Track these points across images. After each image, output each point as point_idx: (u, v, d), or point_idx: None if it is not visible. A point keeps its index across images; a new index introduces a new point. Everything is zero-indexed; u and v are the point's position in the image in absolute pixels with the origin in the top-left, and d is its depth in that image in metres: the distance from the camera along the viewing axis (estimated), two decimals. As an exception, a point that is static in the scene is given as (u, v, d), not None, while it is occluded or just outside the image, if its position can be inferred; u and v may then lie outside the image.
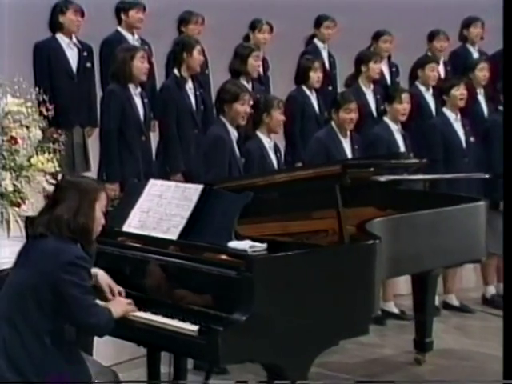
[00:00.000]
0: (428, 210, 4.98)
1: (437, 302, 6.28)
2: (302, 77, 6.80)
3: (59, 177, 4.61)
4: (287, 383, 3.61)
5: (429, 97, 7.14)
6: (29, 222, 4.10)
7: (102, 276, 3.77)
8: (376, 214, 4.74)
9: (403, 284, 6.38)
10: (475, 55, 7.89)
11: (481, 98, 7.30)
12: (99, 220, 3.50)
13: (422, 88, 7.18)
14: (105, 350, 4.40)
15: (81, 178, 3.87)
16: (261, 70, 7.02)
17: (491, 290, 7.07)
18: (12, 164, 4.81)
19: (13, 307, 3.40)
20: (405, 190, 5.49)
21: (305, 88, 6.78)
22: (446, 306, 6.83)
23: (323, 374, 4.99)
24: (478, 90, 7.27)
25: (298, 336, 3.63)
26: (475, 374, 5.45)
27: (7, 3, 6.63)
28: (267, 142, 5.68)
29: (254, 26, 7.22)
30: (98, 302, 3.58)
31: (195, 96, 6.22)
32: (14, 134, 4.85)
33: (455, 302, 6.86)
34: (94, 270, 3.71)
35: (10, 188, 4.76)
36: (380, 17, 7.99)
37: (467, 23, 8.03)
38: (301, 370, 3.66)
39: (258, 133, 5.67)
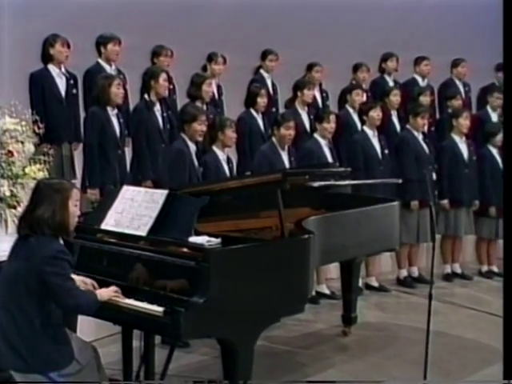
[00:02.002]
0: (353, 209, 4.98)
1: (360, 284, 6.28)
2: (250, 101, 6.73)
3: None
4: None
5: (356, 117, 7.11)
6: (19, 221, 3.97)
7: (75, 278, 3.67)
8: (311, 213, 4.72)
9: (333, 269, 6.37)
10: (390, 84, 7.89)
11: (394, 118, 7.34)
12: (74, 213, 3.42)
13: (351, 110, 7.19)
14: (87, 328, 4.31)
15: (54, 179, 3.73)
16: (216, 94, 6.96)
17: (404, 272, 7.13)
18: (9, 173, 4.77)
19: (7, 294, 3.33)
20: (334, 193, 5.47)
21: (252, 111, 6.71)
22: (368, 286, 6.84)
23: (267, 347, 4.96)
24: (391, 112, 7.30)
25: (246, 315, 3.60)
26: (390, 341, 5.46)
27: (6, 39, 6.52)
28: (221, 155, 5.65)
29: (211, 58, 7.14)
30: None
31: (162, 117, 6.12)
32: (10, 148, 4.83)
33: (375, 283, 6.88)
34: None
35: (8, 193, 4.73)
36: (312, 51, 7.96)
37: (385, 58, 8.04)
38: (249, 344, 3.62)
39: (214, 147, 5.65)
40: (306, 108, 7.08)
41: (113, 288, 3.59)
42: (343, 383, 4.41)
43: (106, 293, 3.53)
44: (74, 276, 3.61)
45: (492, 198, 7.27)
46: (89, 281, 3.68)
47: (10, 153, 4.78)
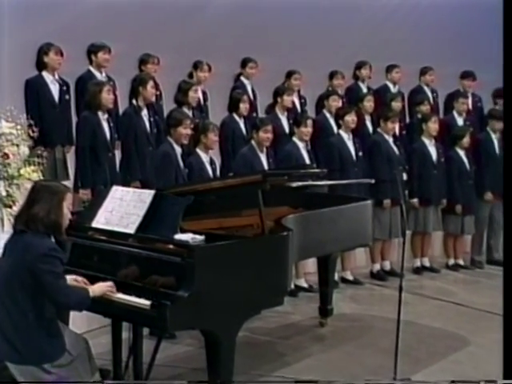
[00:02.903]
0: (329, 208, 4.95)
1: (336, 277, 6.28)
2: (233, 106, 6.70)
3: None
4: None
5: (332, 121, 7.08)
6: (15, 218, 3.92)
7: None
8: (289, 212, 4.71)
9: (311, 264, 6.33)
10: (364, 90, 7.89)
11: (368, 122, 7.33)
12: (66, 215, 3.40)
13: (328, 114, 7.16)
14: (79, 320, 4.26)
15: (51, 182, 3.71)
16: (201, 100, 6.91)
17: (377, 266, 7.12)
18: (5, 174, 4.72)
19: (2, 289, 3.29)
20: (311, 193, 5.45)
21: (235, 115, 6.68)
22: (343, 280, 6.82)
23: (248, 337, 4.94)
24: (365, 117, 7.29)
25: (228, 308, 3.58)
26: (364, 331, 5.45)
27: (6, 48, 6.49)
28: (204, 157, 5.62)
29: (196, 65, 7.09)
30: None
31: (150, 121, 6.07)
32: (6, 150, 4.78)
33: (350, 277, 6.86)
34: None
35: (4, 193, 4.70)
36: (291, 59, 7.95)
37: (359, 66, 8.04)
38: (231, 335, 3.61)
39: (198, 150, 5.61)
40: (286, 113, 7.06)
41: (107, 283, 3.55)
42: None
43: (98, 288, 3.50)
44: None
45: (458, 196, 7.30)
46: (80, 279, 3.64)
47: (6, 155, 4.75)
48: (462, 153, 7.35)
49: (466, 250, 7.67)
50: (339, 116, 6.84)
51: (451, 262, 7.51)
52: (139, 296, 3.48)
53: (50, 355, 3.26)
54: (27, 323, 3.23)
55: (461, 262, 7.53)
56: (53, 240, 3.39)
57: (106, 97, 5.64)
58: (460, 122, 7.82)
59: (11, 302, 3.24)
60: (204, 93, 7.06)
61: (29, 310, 3.23)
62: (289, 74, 7.58)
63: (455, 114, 7.88)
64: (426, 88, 8.33)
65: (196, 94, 6.44)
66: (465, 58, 8.76)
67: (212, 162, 5.70)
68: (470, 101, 8.19)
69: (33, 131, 4.93)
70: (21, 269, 3.23)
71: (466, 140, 7.32)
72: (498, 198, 7.56)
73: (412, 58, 8.40)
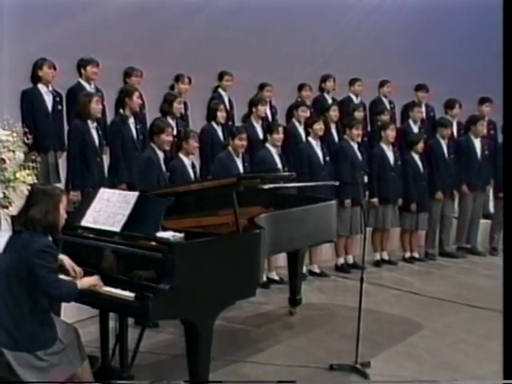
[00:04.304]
0: (297, 207, 4.94)
1: (304, 270, 6.27)
2: (211, 115, 6.67)
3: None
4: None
5: (301, 129, 7.08)
6: (14, 219, 3.89)
7: (66, 260, 3.63)
8: (262, 212, 4.69)
9: (281, 258, 6.33)
10: (329, 101, 7.90)
11: (333, 130, 7.33)
12: (63, 216, 3.38)
13: (297, 123, 7.15)
14: (70, 311, 4.18)
15: (47, 186, 3.68)
16: (183, 110, 6.88)
17: (341, 260, 7.12)
18: (2, 178, 4.70)
19: (1, 283, 3.26)
20: (282, 194, 5.43)
21: (213, 123, 6.65)
22: (311, 272, 6.81)
23: (225, 326, 4.92)
24: (331, 125, 7.30)
25: (206, 299, 3.55)
26: (329, 319, 5.45)
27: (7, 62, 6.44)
28: (187, 160, 5.58)
29: (178, 78, 7.06)
30: (65, 277, 3.49)
31: (135, 129, 6.02)
32: (3, 156, 4.77)
33: (317, 270, 6.86)
34: (61, 256, 3.57)
35: (1, 195, 4.66)
36: (263, 72, 7.92)
37: (324, 79, 8.06)
38: (208, 324, 3.59)
39: (180, 155, 5.58)
40: (260, 121, 7.04)
41: (94, 277, 3.52)
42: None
43: (86, 282, 3.47)
44: (65, 258, 3.56)
45: (413, 196, 7.35)
46: (78, 269, 3.61)
47: (3, 160, 4.74)
48: (416, 157, 7.40)
49: (420, 244, 7.72)
50: (308, 125, 6.84)
51: (407, 255, 7.55)
52: (124, 289, 3.45)
53: (43, 343, 3.23)
54: (23, 314, 3.20)
55: (416, 254, 7.58)
56: (50, 238, 3.36)
57: (95, 107, 5.60)
58: (415, 129, 7.87)
59: (9, 295, 3.21)
60: (185, 103, 7.01)
61: (25, 302, 3.20)
62: (261, 86, 7.58)
63: (411, 122, 7.93)
64: (384, 99, 8.38)
65: (180, 105, 6.42)
66: (418, 72, 8.84)
67: (193, 166, 5.67)
68: (423, 110, 8.25)
69: (27, 138, 4.92)
70: (19, 264, 3.21)
71: (421, 146, 7.37)
72: (447, 197, 7.65)
73: (372, 72, 8.46)
